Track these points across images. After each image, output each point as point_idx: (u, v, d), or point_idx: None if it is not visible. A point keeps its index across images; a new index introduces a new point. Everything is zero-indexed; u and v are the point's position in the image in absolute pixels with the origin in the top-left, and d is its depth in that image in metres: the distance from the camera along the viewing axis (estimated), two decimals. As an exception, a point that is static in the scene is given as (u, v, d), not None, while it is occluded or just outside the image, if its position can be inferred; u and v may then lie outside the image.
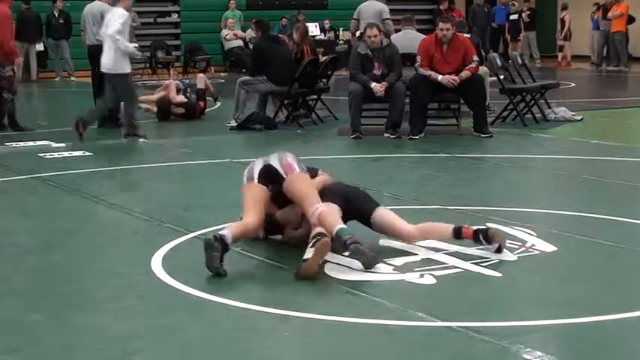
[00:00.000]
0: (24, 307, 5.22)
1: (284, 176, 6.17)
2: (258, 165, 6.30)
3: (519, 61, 14.57)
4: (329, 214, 5.95)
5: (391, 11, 15.23)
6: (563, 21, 25.73)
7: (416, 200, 7.96)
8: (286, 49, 13.49)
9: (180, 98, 14.15)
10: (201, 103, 14.28)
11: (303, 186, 6.14)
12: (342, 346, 4.59)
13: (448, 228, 6.24)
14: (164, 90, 14.40)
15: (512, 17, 25.78)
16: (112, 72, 11.59)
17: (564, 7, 25.84)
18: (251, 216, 6.06)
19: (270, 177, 6.20)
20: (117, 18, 11.51)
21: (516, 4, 26.20)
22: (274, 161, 6.27)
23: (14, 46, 12.86)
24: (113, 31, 11.40)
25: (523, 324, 4.80)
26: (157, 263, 5.96)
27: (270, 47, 12.95)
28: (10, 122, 12.60)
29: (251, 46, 19.37)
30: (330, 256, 6.00)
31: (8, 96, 12.48)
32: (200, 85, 14.35)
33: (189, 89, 14.29)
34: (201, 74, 16.22)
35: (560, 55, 26.00)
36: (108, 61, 11.60)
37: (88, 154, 10.74)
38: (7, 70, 12.43)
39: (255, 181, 6.20)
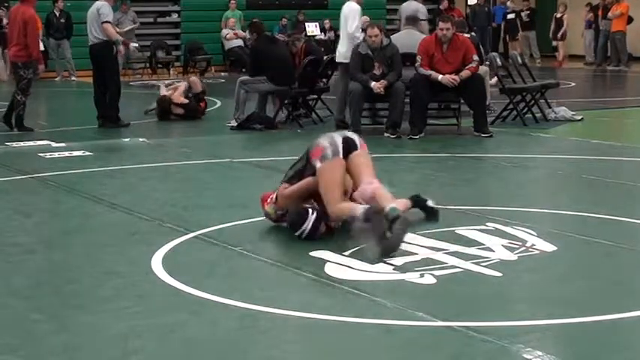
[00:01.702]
0: (24, 307, 5.22)
1: (359, 147, 6.69)
2: (337, 138, 6.67)
3: (519, 60, 14.57)
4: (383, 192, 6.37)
5: (391, 11, 15.26)
6: (560, 20, 25.72)
7: (416, 200, 7.94)
8: (283, 48, 13.50)
9: (182, 99, 14.14)
10: (202, 104, 14.30)
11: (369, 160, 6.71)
12: (343, 346, 4.59)
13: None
14: (173, 89, 14.40)
15: (509, 17, 25.78)
16: (346, 61, 12.24)
17: (564, 7, 25.83)
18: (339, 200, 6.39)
19: (350, 148, 6.61)
20: (354, 15, 12.51)
21: (511, 3, 26.17)
22: (348, 134, 6.79)
23: (40, 52, 13.00)
24: (353, 30, 12.41)
25: (523, 324, 4.80)
26: (157, 263, 5.96)
27: (267, 48, 12.95)
28: (17, 123, 12.67)
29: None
30: (330, 256, 6.02)
31: (21, 98, 12.55)
32: (198, 88, 14.36)
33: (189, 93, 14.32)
34: (193, 77, 16.16)
35: (560, 53, 26.00)
36: (343, 51, 12.45)
37: (88, 154, 10.74)
38: (29, 72, 12.52)
39: (341, 155, 6.54)
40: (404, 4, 15.01)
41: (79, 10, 19.21)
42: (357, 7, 12.63)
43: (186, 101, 14.12)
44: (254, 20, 14.13)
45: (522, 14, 25.88)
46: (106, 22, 12.90)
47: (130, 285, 5.61)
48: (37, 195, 8.56)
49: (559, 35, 25.56)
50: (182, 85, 14.46)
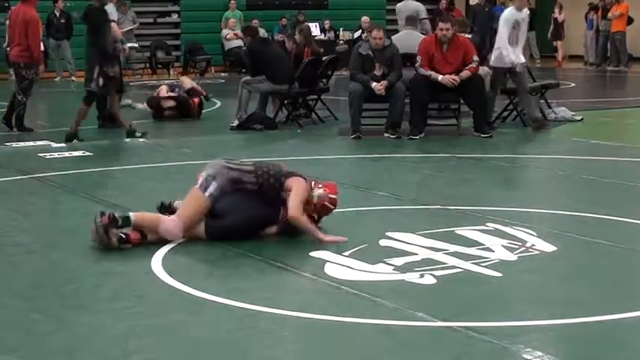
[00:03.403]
0: (24, 307, 5.22)
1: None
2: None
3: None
4: None
5: (392, 11, 15.16)
6: (557, 20, 25.69)
7: (416, 200, 7.96)
8: (278, 48, 13.58)
9: (170, 93, 14.12)
10: (195, 100, 14.26)
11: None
12: (342, 346, 4.59)
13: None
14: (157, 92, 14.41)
15: None
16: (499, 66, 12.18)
17: (560, 7, 25.81)
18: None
19: None
20: (503, 23, 12.35)
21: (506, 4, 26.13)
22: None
23: (40, 53, 12.99)
24: (502, 38, 12.21)
25: (523, 324, 4.80)
26: (156, 263, 5.96)
27: (263, 48, 13.06)
28: (17, 123, 12.67)
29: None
30: (330, 256, 6.02)
31: (22, 98, 12.56)
32: (187, 85, 14.38)
33: (177, 89, 14.33)
34: (184, 76, 16.12)
35: (560, 54, 25.98)
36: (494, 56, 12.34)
37: (88, 154, 10.74)
38: (30, 73, 12.52)
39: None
40: (401, 4, 14.88)
41: (79, 11, 19.21)
42: (506, 14, 12.25)
43: (175, 94, 14.11)
44: (252, 21, 14.17)
45: (522, 14, 25.83)
46: (112, 21, 12.94)
47: (130, 285, 5.61)
48: (37, 195, 8.55)
49: (552, 35, 25.55)
50: (163, 87, 14.50)
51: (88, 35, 12.03)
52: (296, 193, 6.43)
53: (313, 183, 6.64)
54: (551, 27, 25.78)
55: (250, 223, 6.49)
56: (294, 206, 6.39)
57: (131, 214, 6.42)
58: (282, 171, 6.64)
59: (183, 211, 6.49)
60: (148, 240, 6.39)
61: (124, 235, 6.31)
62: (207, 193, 6.47)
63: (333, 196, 6.64)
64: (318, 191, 6.58)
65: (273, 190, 6.52)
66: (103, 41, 11.68)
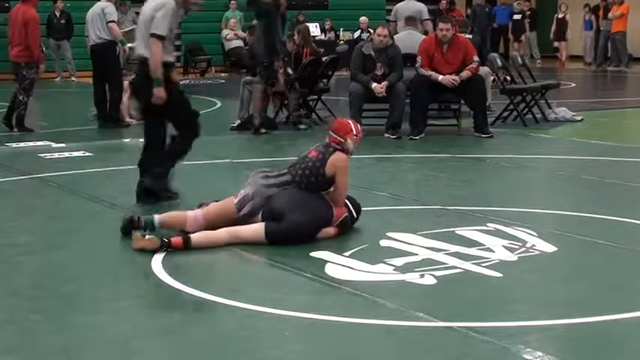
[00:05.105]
0: (24, 307, 5.22)
1: None
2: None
3: (519, 61, 14.57)
4: None
5: (391, 11, 15.11)
6: (562, 20, 25.69)
7: (416, 200, 7.96)
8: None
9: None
10: None
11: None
12: (343, 346, 4.59)
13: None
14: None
15: (515, 17, 25.76)
16: None
17: (566, 7, 25.82)
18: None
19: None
20: None
21: (517, 3, 26.16)
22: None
23: (41, 51, 12.99)
24: None
25: (523, 324, 4.80)
26: (157, 263, 5.96)
27: None
28: (17, 123, 12.67)
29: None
30: (330, 257, 6.02)
31: (23, 98, 12.56)
32: None
33: None
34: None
35: (563, 54, 25.99)
36: None
37: (88, 154, 10.74)
38: (31, 72, 12.53)
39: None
40: (402, 4, 14.80)
41: (79, 11, 19.24)
42: None
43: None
44: (252, 22, 14.18)
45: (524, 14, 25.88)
46: (112, 21, 12.94)
47: (130, 285, 5.61)
48: (37, 195, 8.56)
49: (555, 35, 25.56)
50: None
51: (261, 30, 12.30)
52: (340, 186, 6.59)
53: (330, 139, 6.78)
54: (554, 27, 25.78)
55: (311, 222, 6.44)
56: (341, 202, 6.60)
57: (155, 217, 6.55)
58: (314, 159, 6.65)
59: (210, 207, 6.62)
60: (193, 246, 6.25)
61: (166, 240, 6.19)
62: (241, 213, 6.50)
63: (357, 136, 6.77)
64: (349, 142, 6.69)
65: (317, 186, 6.56)
66: (277, 37, 12.21)
